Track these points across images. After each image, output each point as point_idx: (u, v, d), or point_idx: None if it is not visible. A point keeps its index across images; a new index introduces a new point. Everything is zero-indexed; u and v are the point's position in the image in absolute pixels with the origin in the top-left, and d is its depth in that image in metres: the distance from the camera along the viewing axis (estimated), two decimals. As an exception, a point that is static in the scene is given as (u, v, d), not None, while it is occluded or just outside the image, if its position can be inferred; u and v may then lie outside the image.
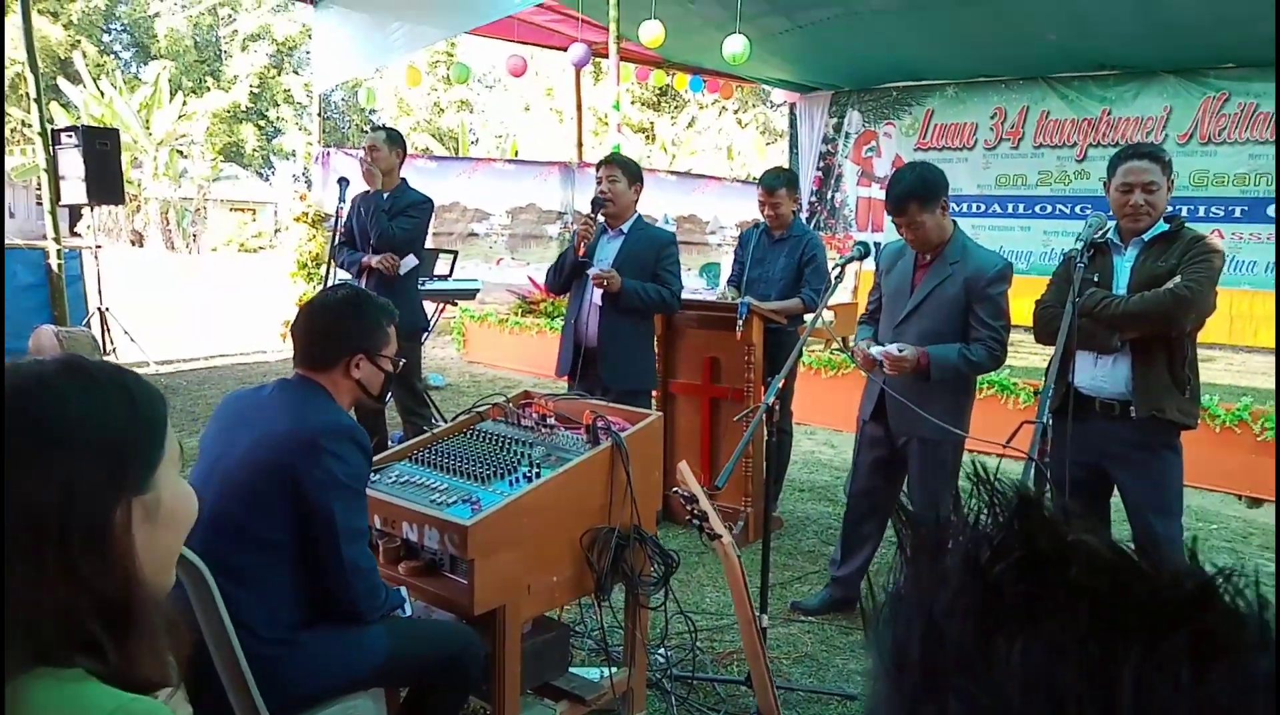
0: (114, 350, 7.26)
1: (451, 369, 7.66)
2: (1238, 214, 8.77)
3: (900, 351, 2.61)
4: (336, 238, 4.09)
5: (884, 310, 2.89)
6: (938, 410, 2.61)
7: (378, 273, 4.04)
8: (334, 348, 1.88)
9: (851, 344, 2.93)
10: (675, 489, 1.72)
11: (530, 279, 8.87)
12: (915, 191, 2.66)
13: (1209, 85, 8.86)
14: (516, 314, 7.94)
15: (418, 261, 4.22)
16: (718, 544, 1.61)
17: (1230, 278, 8.58)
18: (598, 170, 3.48)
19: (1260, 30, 7.67)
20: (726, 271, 5.11)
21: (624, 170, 3.44)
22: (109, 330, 7.31)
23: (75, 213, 13.67)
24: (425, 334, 4.47)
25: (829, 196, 11.24)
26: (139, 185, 21.42)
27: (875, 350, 2.68)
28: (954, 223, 2.81)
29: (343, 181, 4.18)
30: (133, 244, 21.90)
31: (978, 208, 9.97)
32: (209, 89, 25.43)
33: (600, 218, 3.45)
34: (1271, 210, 8.56)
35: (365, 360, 1.89)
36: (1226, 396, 4.78)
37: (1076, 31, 8.03)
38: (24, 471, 0.74)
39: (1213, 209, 8.86)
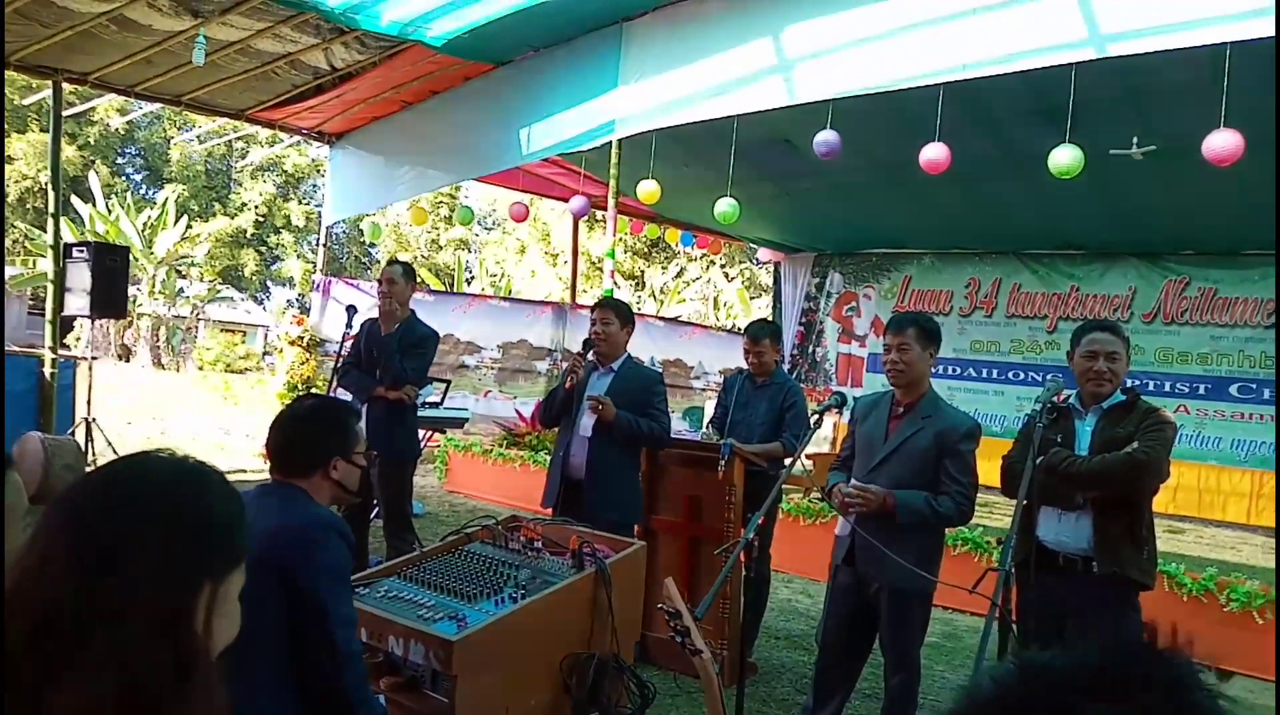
0: (94, 461, 7.25)
1: (431, 497, 7.66)
2: (1202, 391, 9.11)
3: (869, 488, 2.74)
4: (340, 361, 4.25)
5: (857, 458, 3.03)
6: (907, 557, 2.70)
7: (383, 399, 4.17)
8: (313, 454, 1.98)
9: (826, 490, 3.06)
10: (660, 605, 1.80)
11: (517, 412, 9.02)
12: (920, 321, 2.87)
13: (1170, 269, 9.39)
14: (501, 445, 8.03)
15: (427, 386, 4.38)
16: (697, 660, 1.67)
17: (1197, 452, 8.83)
18: (592, 312, 3.70)
19: (1213, 221, 8.25)
20: (709, 415, 5.27)
21: (616, 313, 3.65)
22: (93, 441, 7.32)
23: (66, 324, 13.85)
24: (415, 460, 4.57)
25: (810, 351, 11.60)
26: (134, 302, 21.72)
27: (847, 488, 2.80)
28: (930, 383, 3.00)
29: (351, 309, 4.39)
30: (119, 358, 21.98)
31: (953, 371, 10.30)
32: (215, 214, 26.25)
33: (591, 356, 3.63)
34: (1234, 389, 8.92)
35: (342, 462, 2.00)
36: (1194, 567, 4.88)
37: (1044, 213, 8.58)
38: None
39: (1178, 385, 9.20)
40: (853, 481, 2.86)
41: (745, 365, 4.08)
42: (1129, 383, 2.92)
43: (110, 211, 20.80)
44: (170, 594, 0.85)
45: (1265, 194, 7.17)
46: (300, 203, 29.10)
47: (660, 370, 3.88)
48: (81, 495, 0.90)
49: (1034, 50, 4.98)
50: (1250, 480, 8.56)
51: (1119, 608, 2.69)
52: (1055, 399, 2.75)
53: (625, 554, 2.34)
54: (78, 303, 7.51)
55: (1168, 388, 9.09)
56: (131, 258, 19.97)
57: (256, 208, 27.13)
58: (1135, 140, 6.44)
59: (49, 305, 7.72)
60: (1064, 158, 5.19)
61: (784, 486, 3.58)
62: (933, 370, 3.01)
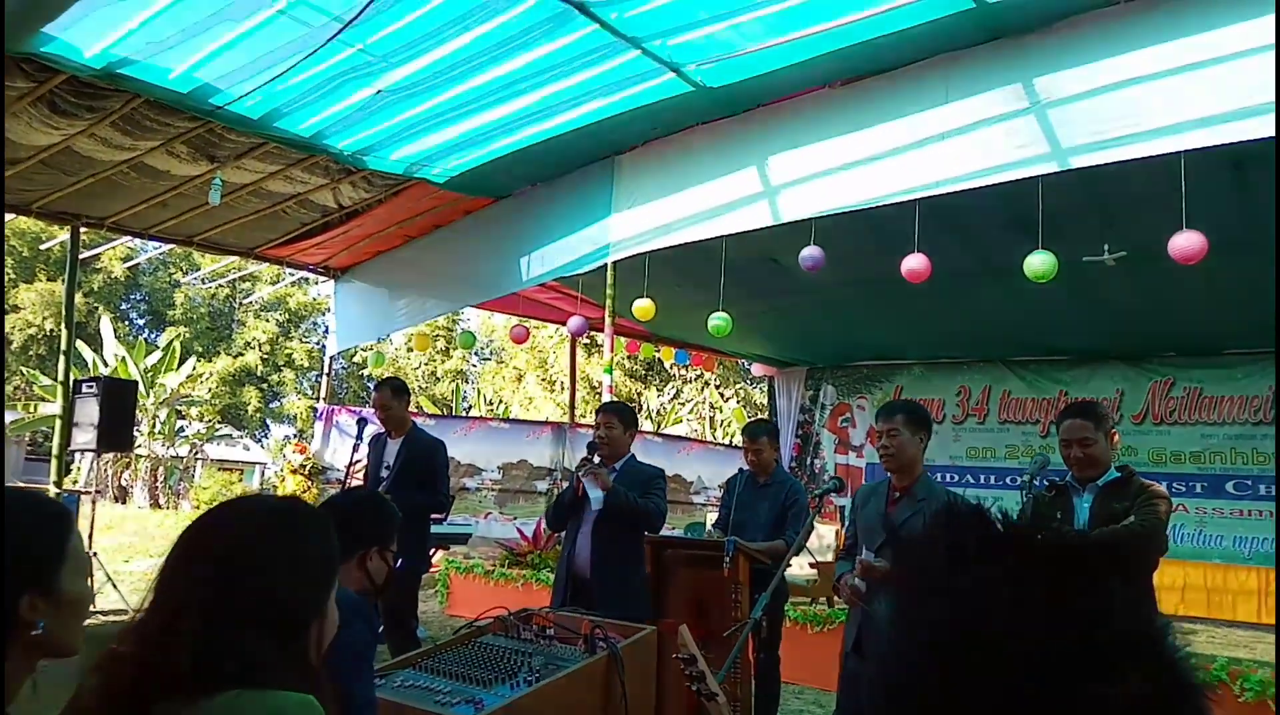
0: (95, 594, 7.20)
1: (434, 622, 7.56)
2: (1199, 490, 9.16)
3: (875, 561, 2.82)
4: (349, 479, 4.38)
5: (859, 544, 3.12)
6: None
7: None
8: (354, 539, 2.08)
9: (834, 580, 3.13)
10: (676, 654, 1.85)
11: (519, 531, 9.01)
12: (907, 407, 3.02)
13: (1154, 372, 9.61)
14: (503, 565, 7.99)
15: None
16: (712, 704, 1.72)
17: (1201, 551, 8.81)
18: (596, 416, 3.84)
19: (1190, 323, 8.53)
20: (709, 531, 5.33)
21: (620, 417, 3.80)
22: (92, 575, 7.29)
23: (64, 467, 13.88)
24: (423, 573, 4.61)
25: (808, 462, 11.67)
26: (134, 443, 21.78)
27: (851, 579, 2.87)
28: (923, 467, 3.12)
29: (362, 421, 4.54)
30: (116, 500, 21.86)
31: (952, 478, 10.36)
32: (219, 354, 26.66)
33: (597, 458, 3.75)
34: (1230, 486, 8.98)
35: (378, 554, 2.09)
36: (1207, 662, 4.85)
37: (1027, 321, 8.85)
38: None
39: (1175, 485, 9.24)
40: (858, 559, 2.94)
41: (745, 465, 4.19)
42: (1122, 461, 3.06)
43: (117, 356, 21.12)
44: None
45: (1236, 294, 7.47)
46: (301, 341, 29.63)
47: (662, 469, 3.99)
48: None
49: (1001, 166, 5.33)
50: (1257, 577, 8.50)
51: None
52: (1055, 478, 2.88)
53: (636, 638, 2.40)
54: (84, 437, 7.63)
55: (1165, 487, 9.13)
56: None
57: (261, 346, 27.60)
58: (1106, 247, 6.76)
59: (56, 441, 7.84)
60: (1038, 263, 5.46)
61: (792, 599, 3.63)
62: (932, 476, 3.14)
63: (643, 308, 7.05)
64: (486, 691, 2.17)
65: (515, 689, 2.16)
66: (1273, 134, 4.43)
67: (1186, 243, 4.90)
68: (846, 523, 3.29)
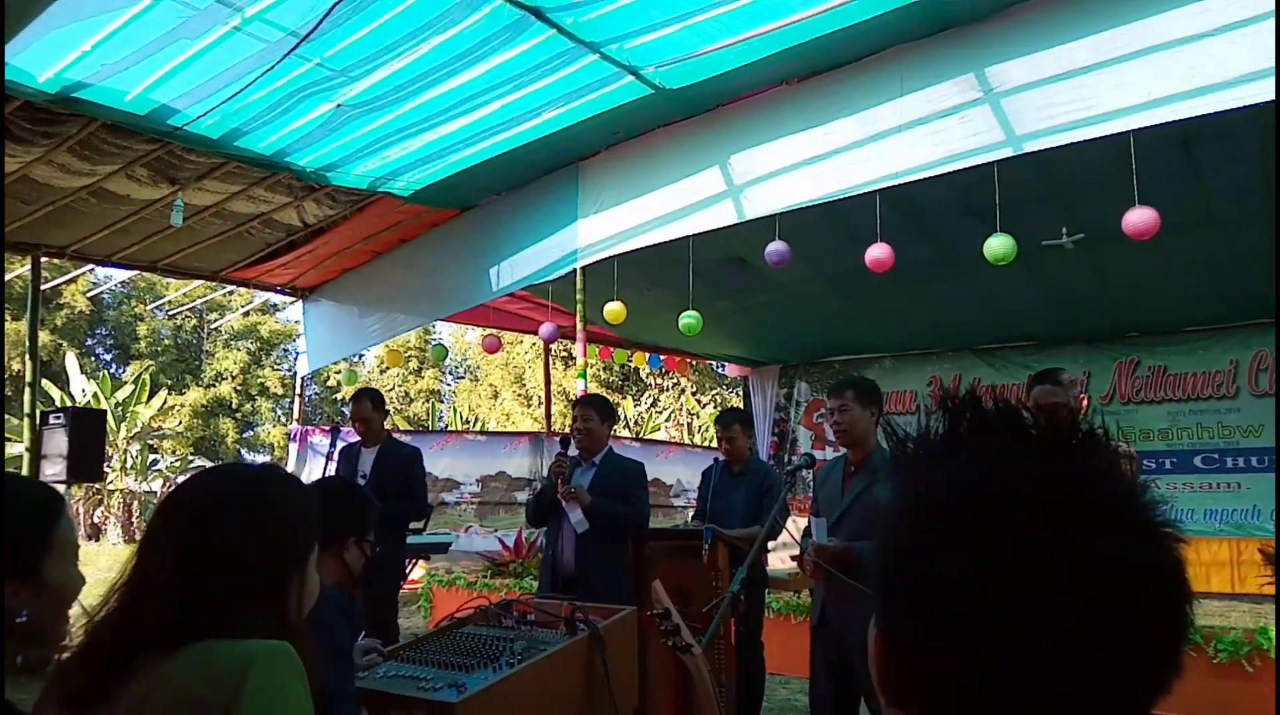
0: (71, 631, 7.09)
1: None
2: (1169, 466, 9.32)
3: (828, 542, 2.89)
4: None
5: (820, 518, 3.18)
6: (870, 605, 2.80)
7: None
8: (330, 530, 2.08)
9: (802, 554, 3.18)
10: (650, 610, 1.88)
11: (500, 541, 8.98)
12: (856, 383, 3.09)
13: (1118, 352, 9.78)
14: (485, 576, 7.97)
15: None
16: (687, 656, 1.74)
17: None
18: (574, 409, 3.86)
19: (1149, 303, 8.70)
20: (688, 522, 5.36)
21: (597, 409, 3.82)
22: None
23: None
24: (402, 583, 4.59)
25: (786, 458, 11.74)
26: (105, 480, 21.45)
27: (811, 545, 2.94)
28: (879, 441, 3.19)
29: (335, 430, 4.52)
30: (89, 538, 21.49)
31: (928, 467, 10.45)
32: (189, 386, 26.34)
33: (574, 452, 3.77)
34: (1198, 461, 9.15)
35: (355, 544, 2.09)
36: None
37: (990, 309, 8.99)
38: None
39: (1145, 462, 9.39)
40: (811, 541, 3.00)
41: (720, 455, 4.23)
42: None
43: (84, 392, 20.81)
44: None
45: (1191, 272, 7.64)
46: (273, 368, 29.35)
47: (642, 463, 4.02)
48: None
49: (958, 154, 5.45)
50: (1228, 549, 8.66)
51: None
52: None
53: (616, 618, 2.42)
54: (53, 469, 7.52)
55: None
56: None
57: (234, 377, 27.31)
58: (1064, 231, 6.89)
59: (25, 474, 7.71)
60: (998, 245, 5.57)
61: (775, 592, 3.67)
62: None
63: (613, 311, 7.09)
64: (469, 676, 2.18)
65: (498, 671, 2.17)
66: (1214, 111, 4.58)
67: (1139, 219, 5.02)
68: (811, 501, 3.34)
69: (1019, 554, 0.54)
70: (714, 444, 14.87)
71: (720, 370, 18.97)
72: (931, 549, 0.58)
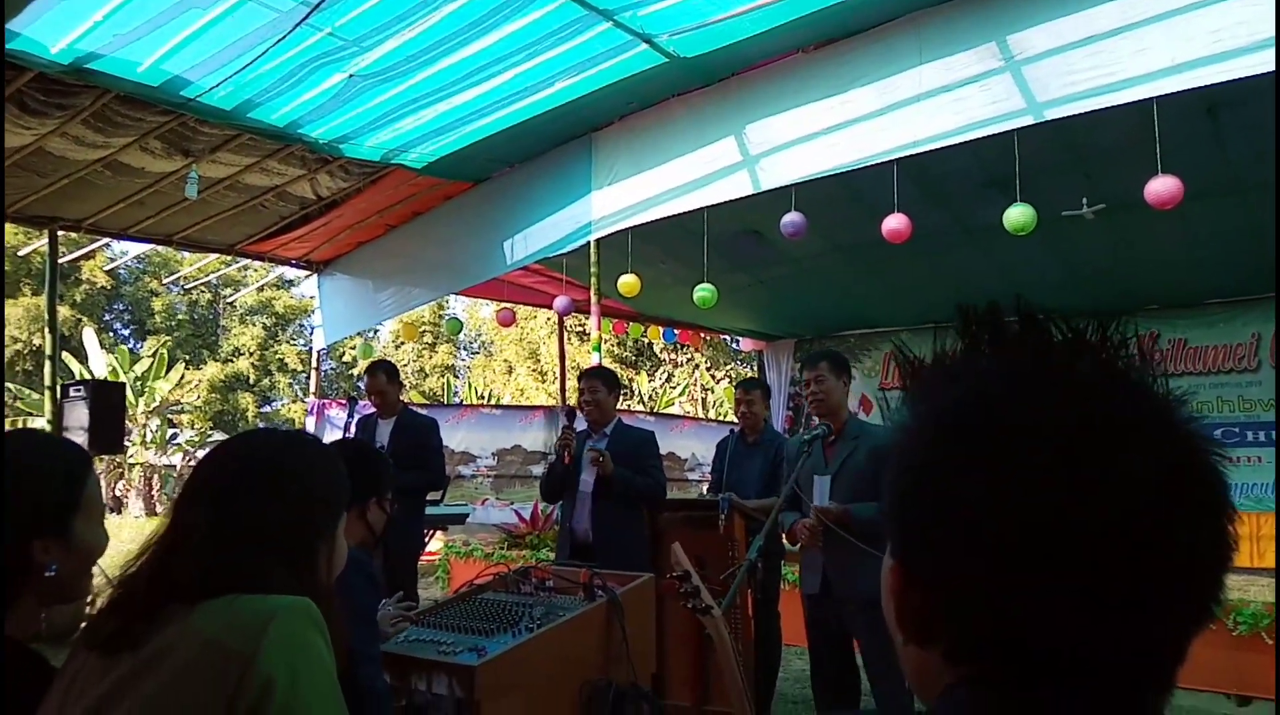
0: (94, 604, 7.19)
1: (435, 609, 7.59)
2: (1189, 440, 9.24)
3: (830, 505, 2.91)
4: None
5: (804, 492, 3.20)
6: (874, 569, 2.81)
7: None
8: (355, 489, 2.09)
9: (783, 530, 3.22)
10: (670, 572, 1.88)
11: (516, 513, 9.03)
12: (829, 354, 3.18)
13: (1140, 325, 9.65)
14: (503, 547, 8.02)
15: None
16: (707, 619, 1.74)
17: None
18: (579, 382, 3.86)
19: (1170, 275, 8.59)
20: (703, 493, 5.37)
21: (603, 381, 3.82)
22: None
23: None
24: (420, 552, 4.63)
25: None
26: (126, 453, 21.69)
27: (813, 509, 2.95)
28: (849, 409, 3.25)
29: (353, 400, 4.53)
30: (111, 511, 21.77)
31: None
32: (206, 361, 26.53)
33: (579, 425, 3.77)
34: (1219, 434, 9.03)
35: (375, 505, 2.11)
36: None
37: (1008, 280, 8.89)
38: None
39: (1164, 436, 9.34)
40: (813, 505, 3.03)
41: (737, 423, 4.22)
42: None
43: (106, 365, 20.99)
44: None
45: (1214, 242, 7.53)
46: (289, 343, 29.51)
47: (653, 432, 4.01)
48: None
49: (977, 123, 5.36)
50: (1249, 523, 8.60)
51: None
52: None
53: (634, 585, 2.43)
54: (76, 440, 7.60)
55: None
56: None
57: (251, 353, 27.48)
58: (1085, 201, 6.80)
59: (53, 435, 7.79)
60: (1017, 215, 5.50)
61: (786, 563, 3.68)
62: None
63: (628, 283, 7.06)
64: (489, 640, 2.19)
65: (517, 636, 2.18)
66: (1238, 76, 4.48)
67: (1162, 187, 4.94)
68: (786, 476, 3.36)
69: (1047, 468, 0.50)
70: (729, 418, 14.84)
71: (735, 344, 18.96)
72: (952, 470, 0.53)
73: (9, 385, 23.66)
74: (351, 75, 5.63)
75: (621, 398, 23.68)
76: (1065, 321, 0.58)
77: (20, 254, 17.17)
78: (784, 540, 3.99)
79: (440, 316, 24.52)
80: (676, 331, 11.65)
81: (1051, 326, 0.59)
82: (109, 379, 18.89)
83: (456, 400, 24.37)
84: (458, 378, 27.86)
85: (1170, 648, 0.52)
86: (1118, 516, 0.49)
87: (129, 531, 16.63)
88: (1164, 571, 0.50)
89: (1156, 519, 0.50)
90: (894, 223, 5.78)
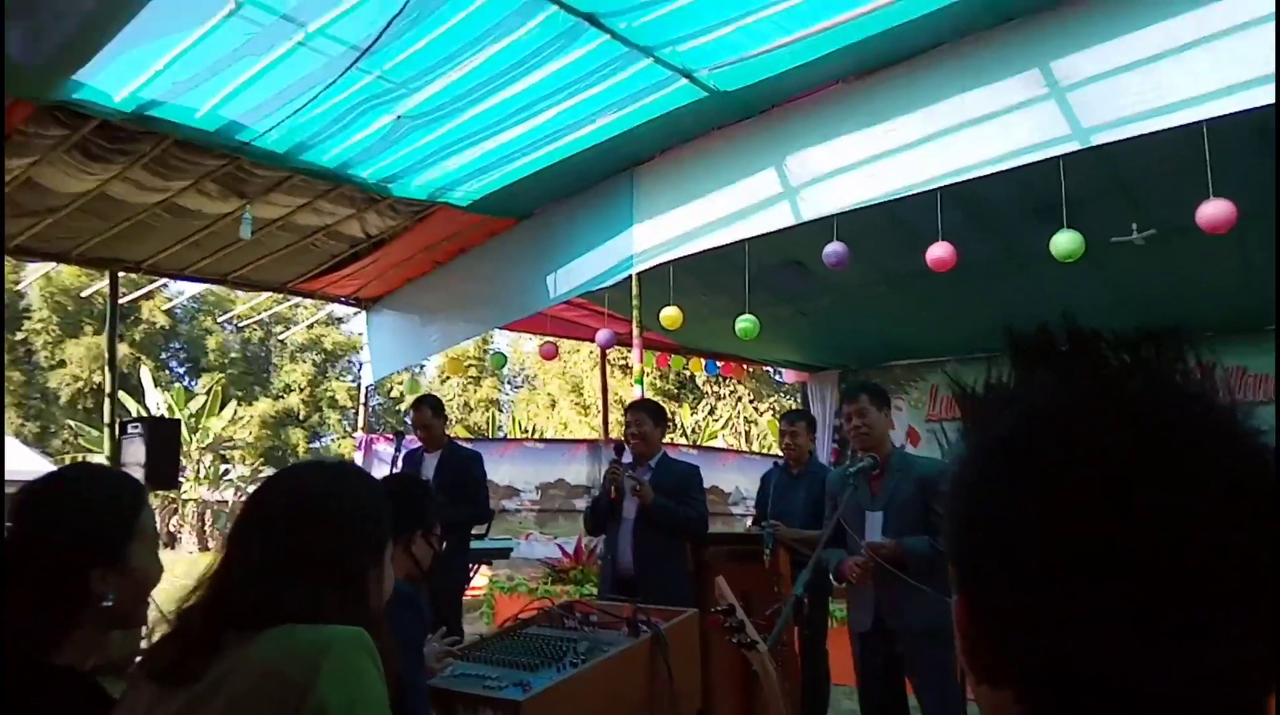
0: (151, 635, 7.32)
1: (480, 644, 7.59)
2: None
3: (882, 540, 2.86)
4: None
5: (848, 530, 3.15)
6: (930, 603, 2.76)
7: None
8: (400, 523, 2.11)
9: (830, 570, 3.18)
10: (714, 607, 1.86)
11: (560, 547, 9.02)
12: (869, 386, 3.12)
13: (1195, 353, 9.40)
14: (547, 582, 8.01)
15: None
16: (753, 654, 1.71)
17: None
18: (625, 415, 3.86)
19: (1225, 301, 8.36)
20: (747, 527, 5.31)
21: (649, 414, 3.82)
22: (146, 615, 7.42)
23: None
24: (466, 586, 4.64)
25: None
26: (179, 490, 22.16)
27: (858, 557, 2.90)
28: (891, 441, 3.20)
29: (400, 435, 4.59)
30: (165, 546, 22.19)
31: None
32: (258, 397, 27.08)
33: (627, 459, 3.77)
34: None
35: (422, 538, 2.13)
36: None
37: (1056, 308, 8.67)
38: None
39: (1225, 467, 9.04)
40: (865, 541, 2.98)
41: (781, 456, 4.18)
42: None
43: (160, 405, 21.53)
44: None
45: (1271, 266, 7.32)
46: (338, 380, 30.02)
47: (697, 466, 3.99)
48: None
49: (1022, 149, 5.31)
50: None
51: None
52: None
53: (679, 620, 2.40)
54: (133, 475, 7.78)
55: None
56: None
57: (301, 389, 28.00)
58: (1135, 227, 6.67)
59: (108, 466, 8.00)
60: (1064, 242, 5.42)
61: (834, 600, 3.63)
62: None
63: (670, 316, 7.07)
64: (534, 675, 2.18)
65: (562, 671, 2.17)
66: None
67: (1215, 211, 4.84)
68: (828, 512, 3.31)
69: (1095, 493, 0.48)
70: (773, 451, 14.73)
71: (778, 377, 18.85)
72: (1001, 498, 0.52)
73: (70, 422, 24.35)
74: (399, 117, 5.76)
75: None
76: (1119, 338, 0.57)
77: (83, 295, 17.79)
78: (830, 577, 3.94)
79: (484, 351, 24.78)
80: (719, 364, 11.62)
81: (1104, 345, 0.57)
82: (165, 416, 19.37)
83: (501, 434, 24.53)
84: (502, 412, 28.08)
85: (1236, 674, 0.49)
86: (1169, 541, 0.47)
87: (183, 566, 16.95)
88: (1220, 596, 0.48)
89: (1211, 543, 0.48)
90: (938, 252, 5.73)
